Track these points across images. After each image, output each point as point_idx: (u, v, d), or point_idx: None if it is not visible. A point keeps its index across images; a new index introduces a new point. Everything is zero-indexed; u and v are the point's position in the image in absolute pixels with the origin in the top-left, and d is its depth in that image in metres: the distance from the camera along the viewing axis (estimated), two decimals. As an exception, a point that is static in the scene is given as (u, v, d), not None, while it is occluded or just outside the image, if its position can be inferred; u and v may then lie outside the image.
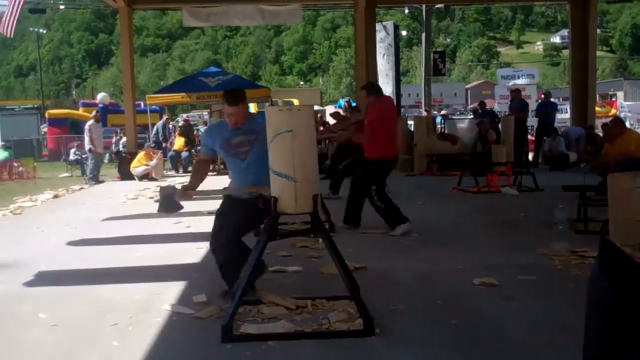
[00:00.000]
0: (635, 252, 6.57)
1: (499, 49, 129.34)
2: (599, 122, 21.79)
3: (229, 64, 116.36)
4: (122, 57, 21.83)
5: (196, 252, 7.50)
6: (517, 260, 6.76)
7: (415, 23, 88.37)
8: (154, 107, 21.60)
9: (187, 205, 11.59)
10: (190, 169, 19.69)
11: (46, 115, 34.52)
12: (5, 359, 4.38)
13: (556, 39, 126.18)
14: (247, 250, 5.05)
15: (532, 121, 20.46)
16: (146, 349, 4.44)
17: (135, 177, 17.29)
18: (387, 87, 22.34)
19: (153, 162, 17.45)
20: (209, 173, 18.18)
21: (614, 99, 55.75)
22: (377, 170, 8.48)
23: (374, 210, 8.94)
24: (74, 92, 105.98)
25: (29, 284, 6.37)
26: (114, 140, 26.27)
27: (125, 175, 17.73)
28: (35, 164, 20.73)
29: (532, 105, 21.18)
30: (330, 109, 31.25)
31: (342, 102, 28.71)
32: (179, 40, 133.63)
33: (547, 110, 18.58)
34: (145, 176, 17.25)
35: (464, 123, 19.09)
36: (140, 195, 13.73)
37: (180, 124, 24.53)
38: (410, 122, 20.15)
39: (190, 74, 38.15)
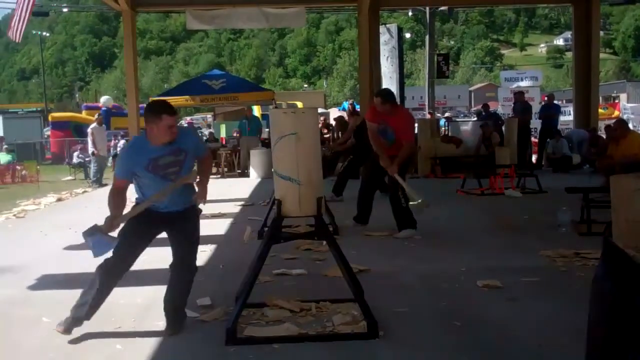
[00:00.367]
0: (639, 254, 6.56)
1: (503, 52, 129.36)
2: (602, 124, 21.77)
3: (232, 66, 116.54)
4: (125, 59, 21.84)
5: (200, 255, 7.48)
6: (520, 262, 6.76)
7: (418, 25, 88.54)
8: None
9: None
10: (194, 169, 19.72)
11: (49, 118, 34.58)
12: (9, 362, 4.40)
13: (559, 42, 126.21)
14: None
15: (535, 123, 20.44)
16: (150, 352, 4.45)
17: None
18: (391, 89, 22.34)
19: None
20: (212, 176, 18.13)
21: (617, 101, 55.69)
22: (404, 167, 8.51)
23: (377, 213, 8.97)
24: (77, 95, 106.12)
25: (33, 287, 6.38)
26: (112, 143, 26.26)
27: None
28: (38, 167, 20.77)
29: (536, 107, 21.16)
30: (334, 112, 31.25)
31: (346, 104, 28.69)
32: (183, 43, 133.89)
33: (550, 112, 18.56)
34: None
35: (468, 125, 19.07)
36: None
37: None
38: (415, 125, 20.12)
39: (194, 77, 38.20)
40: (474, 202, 11.60)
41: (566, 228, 8.38)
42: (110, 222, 4.61)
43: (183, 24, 62.05)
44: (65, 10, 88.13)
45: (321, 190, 4.80)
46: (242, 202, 12.17)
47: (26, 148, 29.57)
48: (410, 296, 5.61)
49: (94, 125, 17.77)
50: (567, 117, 25.83)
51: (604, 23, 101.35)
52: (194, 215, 5.01)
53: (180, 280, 4.91)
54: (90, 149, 17.43)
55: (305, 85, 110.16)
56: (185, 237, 4.90)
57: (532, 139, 19.60)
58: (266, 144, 17.95)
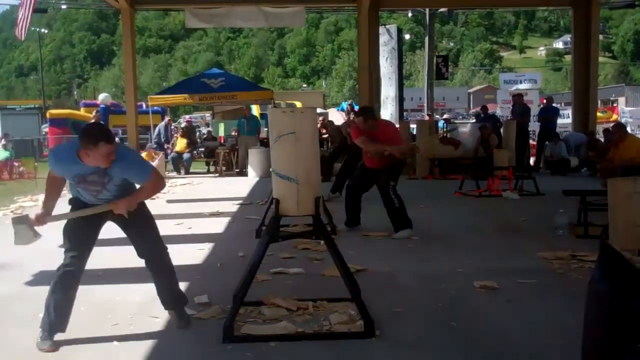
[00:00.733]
0: (635, 256, 6.59)
1: (502, 54, 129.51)
2: (600, 128, 21.80)
3: (231, 65, 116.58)
4: (124, 57, 21.87)
5: (198, 254, 7.52)
6: (517, 264, 6.78)
7: (418, 27, 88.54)
8: (156, 108, 21.61)
9: (189, 208, 11.63)
10: (192, 170, 19.72)
11: (47, 115, 34.47)
12: (5, 359, 4.40)
13: (559, 45, 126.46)
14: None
15: (534, 126, 20.47)
16: (147, 350, 4.45)
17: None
18: (390, 90, 22.40)
19: (154, 163, 17.44)
20: (210, 174, 18.10)
21: (615, 105, 55.74)
22: (398, 169, 8.63)
23: (375, 213, 8.98)
24: (75, 92, 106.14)
25: (29, 283, 6.40)
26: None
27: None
28: (36, 163, 20.72)
29: (534, 110, 21.18)
30: (332, 112, 31.24)
31: (345, 105, 28.69)
32: (182, 41, 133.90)
33: (549, 115, 18.59)
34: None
35: (466, 127, 19.09)
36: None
37: (183, 125, 24.56)
38: (413, 126, 20.14)
39: (193, 75, 38.17)
40: (471, 204, 11.61)
41: (563, 230, 8.40)
42: (41, 218, 4.66)
43: (182, 22, 62.04)
44: (64, 7, 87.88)
45: (319, 190, 4.81)
46: (240, 201, 12.19)
47: (24, 144, 29.52)
48: (407, 296, 5.62)
49: (92, 122, 17.74)
50: (565, 120, 25.86)
51: (603, 27, 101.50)
52: (140, 206, 4.79)
53: (162, 271, 4.88)
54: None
55: (304, 85, 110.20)
56: (143, 228, 4.81)
57: (531, 141, 19.63)
58: (264, 143, 17.96)
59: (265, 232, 5.02)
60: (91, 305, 5.33)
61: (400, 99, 22.58)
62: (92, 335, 4.69)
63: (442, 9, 28.02)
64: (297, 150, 4.61)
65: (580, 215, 8.31)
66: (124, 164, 4.46)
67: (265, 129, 21.81)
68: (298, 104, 30.93)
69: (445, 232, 8.84)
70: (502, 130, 17.24)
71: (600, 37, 23.58)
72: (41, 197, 13.64)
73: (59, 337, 4.55)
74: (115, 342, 4.58)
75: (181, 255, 7.29)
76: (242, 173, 18.12)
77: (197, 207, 11.46)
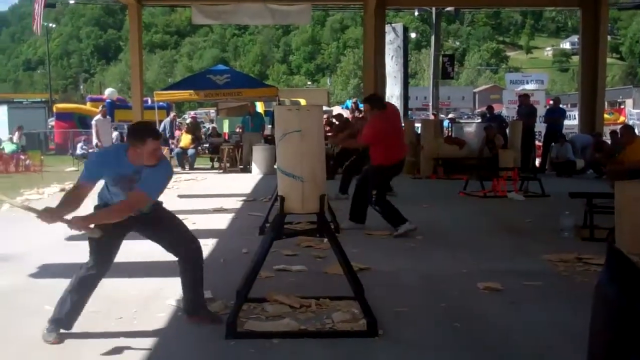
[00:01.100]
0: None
1: (508, 54, 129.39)
2: (607, 130, 21.74)
3: (237, 62, 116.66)
4: (130, 53, 21.87)
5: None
6: (522, 266, 6.76)
7: (424, 25, 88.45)
8: (161, 103, 21.63)
9: (193, 203, 11.62)
10: (196, 166, 19.72)
11: (54, 109, 34.56)
12: (11, 350, 4.40)
13: (566, 45, 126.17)
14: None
15: (540, 127, 20.42)
16: (151, 344, 4.46)
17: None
18: (395, 89, 22.40)
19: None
20: (214, 171, 18.08)
21: (622, 107, 55.67)
22: (381, 175, 8.57)
23: (378, 213, 8.97)
24: (81, 87, 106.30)
25: (35, 276, 6.41)
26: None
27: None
28: (42, 157, 20.78)
29: (541, 111, 21.14)
30: (337, 110, 31.24)
31: (350, 103, 28.70)
32: (188, 37, 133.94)
33: (555, 116, 18.55)
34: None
35: (472, 127, 19.05)
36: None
37: (188, 121, 24.56)
38: (418, 125, 20.12)
39: (199, 72, 38.19)
40: (476, 204, 11.59)
41: (569, 233, 8.37)
42: (50, 216, 4.39)
43: (188, 18, 61.99)
44: (72, 2, 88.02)
45: (324, 188, 4.80)
46: (244, 198, 12.18)
47: (30, 138, 29.60)
48: (410, 296, 5.61)
49: (98, 117, 17.79)
50: (572, 122, 25.83)
51: (611, 28, 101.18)
52: (160, 207, 4.85)
53: (197, 266, 4.86)
54: (94, 140, 17.44)
55: (309, 83, 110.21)
56: (169, 224, 4.82)
57: (536, 142, 19.59)
58: (269, 140, 17.96)
59: (269, 229, 5.02)
60: (96, 299, 5.31)
61: (405, 98, 22.55)
62: (97, 329, 4.69)
63: (448, 8, 27.98)
64: (302, 148, 4.60)
65: (586, 217, 8.29)
66: (155, 169, 4.49)
67: (269, 126, 21.84)
68: (302, 102, 30.95)
69: (449, 233, 8.83)
70: (507, 131, 17.21)
71: (608, 38, 23.51)
72: (47, 190, 13.71)
73: (64, 330, 4.55)
74: (119, 336, 4.58)
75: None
76: (246, 170, 18.13)
77: (201, 203, 11.46)
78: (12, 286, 5.97)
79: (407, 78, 23.32)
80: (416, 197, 12.03)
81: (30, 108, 38.00)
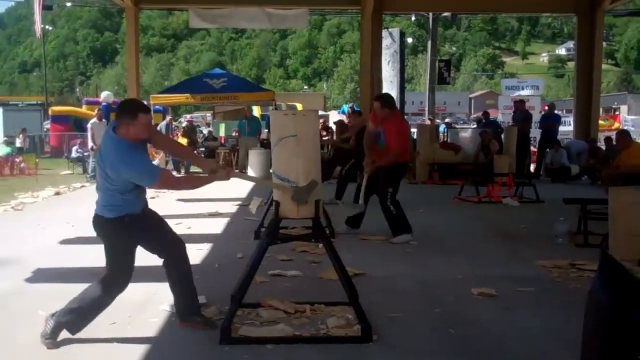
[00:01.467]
0: (635, 267, 6.57)
1: (504, 59, 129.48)
2: (601, 136, 21.79)
3: (233, 66, 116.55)
4: (127, 56, 21.87)
5: (196, 254, 7.51)
6: (516, 272, 6.77)
7: (421, 30, 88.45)
8: (157, 107, 21.60)
9: (188, 208, 11.61)
10: (192, 170, 19.69)
11: (49, 112, 34.51)
12: (3, 356, 4.39)
13: (561, 51, 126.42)
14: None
15: (535, 133, 20.45)
16: (144, 349, 4.46)
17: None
18: (391, 94, 22.35)
19: (155, 162, 17.43)
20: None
21: (617, 113, 55.80)
22: (397, 174, 8.58)
23: (374, 217, 8.96)
24: (77, 90, 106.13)
25: (28, 280, 6.39)
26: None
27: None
28: (37, 160, 20.75)
29: (536, 116, 21.17)
30: (333, 114, 31.25)
31: (346, 107, 28.68)
32: (184, 40, 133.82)
33: (550, 122, 18.59)
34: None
35: (467, 132, 19.08)
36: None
37: (184, 124, 24.56)
38: (414, 130, 20.13)
39: (196, 75, 38.19)
40: (471, 210, 11.61)
41: (563, 239, 8.39)
42: (226, 173, 4.65)
43: (185, 21, 61.82)
44: (68, 4, 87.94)
45: (320, 193, 4.80)
46: (239, 202, 12.18)
47: (14, 142, 29.54)
48: (405, 301, 5.62)
49: (93, 120, 17.76)
50: (567, 128, 25.87)
51: (606, 34, 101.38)
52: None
53: (186, 267, 4.86)
54: (90, 144, 17.42)
55: (306, 87, 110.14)
56: (158, 223, 4.81)
57: (532, 148, 19.62)
58: (265, 144, 17.95)
59: (264, 233, 5.02)
60: (89, 303, 5.33)
61: (402, 103, 22.51)
62: (91, 334, 4.67)
63: (445, 13, 28.02)
64: (297, 152, 4.60)
65: (580, 223, 8.30)
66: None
67: (266, 130, 21.84)
68: (299, 106, 30.95)
69: (444, 238, 8.84)
70: (503, 136, 17.23)
71: (604, 44, 23.57)
72: (41, 193, 13.70)
73: (59, 335, 4.54)
74: (113, 342, 4.58)
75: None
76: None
77: (196, 207, 11.45)
78: (6, 290, 5.95)
79: (403, 83, 23.31)
80: (412, 202, 12.00)
81: (26, 111, 37.92)
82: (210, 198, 12.81)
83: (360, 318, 4.63)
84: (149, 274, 6.05)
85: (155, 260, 5.27)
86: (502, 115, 24.65)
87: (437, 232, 9.24)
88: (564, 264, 6.96)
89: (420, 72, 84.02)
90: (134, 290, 5.76)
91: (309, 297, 5.51)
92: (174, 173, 18.81)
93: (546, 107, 20.69)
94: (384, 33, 21.67)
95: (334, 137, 17.34)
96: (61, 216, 10.48)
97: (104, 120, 18.64)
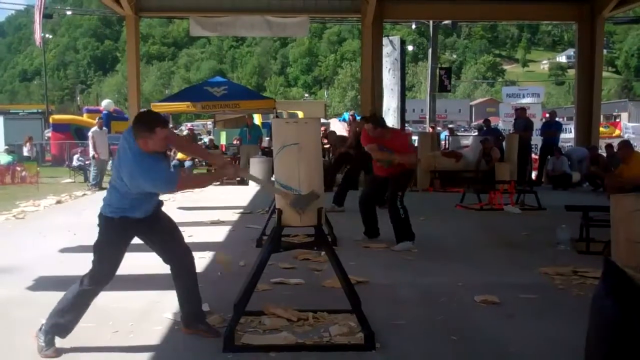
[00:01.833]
0: (637, 274, 6.57)
1: (505, 67, 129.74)
2: (602, 143, 21.79)
3: (234, 74, 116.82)
4: (127, 64, 21.88)
5: (198, 262, 7.47)
6: (518, 279, 6.76)
7: (421, 38, 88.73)
8: (158, 115, 21.59)
9: (190, 216, 11.61)
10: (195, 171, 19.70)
11: (50, 120, 34.54)
12: (6, 363, 4.40)
13: (562, 59, 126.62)
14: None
15: (536, 140, 20.47)
16: (147, 358, 4.45)
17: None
18: (392, 101, 22.40)
19: (187, 163, 17.40)
20: (215, 184, 17.98)
21: (618, 120, 55.85)
22: (406, 180, 8.68)
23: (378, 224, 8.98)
24: (78, 98, 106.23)
25: (30, 288, 6.39)
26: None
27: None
28: (38, 168, 20.75)
29: (537, 124, 21.18)
30: (334, 122, 31.24)
31: (347, 115, 28.71)
32: (185, 49, 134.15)
33: (551, 129, 18.61)
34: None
35: (468, 140, 19.09)
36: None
37: (185, 133, 24.58)
38: (415, 138, 20.15)
39: (196, 83, 38.25)
40: (472, 217, 11.60)
41: (565, 246, 8.39)
42: (234, 170, 4.93)
43: (185, 29, 62.06)
44: (68, 13, 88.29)
45: (322, 201, 4.80)
46: (241, 210, 12.18)
47: (21, 150, 29.56)
48: (407, 309, 5.61)
49: (94, 129, 17.77)
50: (568, 135, 25.89)
51: (607, 41, 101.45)
52: (162, 209, 4.89)
53: (193, 276, 4.88)
54: (91, 152, 17.44)
55: (306, 95, 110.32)
56: (170, 230, 4.83)
57: (533, 155, 19.62)
58: (266, 152, 17.96)
59: (267, 241, 5.02)
60: (92, 311, 5.31)
61: (402, 111, 22.51)
62: (92, 343, 4.68)
63: (446, 21, 28.06)
64: (300, 160, 4.61)
65: (582, 230, 8.30)
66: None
67: (267, 138, 21.85)
68: (300, 114, 30.96)
69: (446, 246, 8.83)
70: (504, 144, 17.25)
71: (604, 51, 23.58)
72: (43, 202, 13.70)
73: (59, 344, 4.53)
74: (115, 350, 4.57)
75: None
76: (243, 182, 18.11)
77: (198, 215, 11.46)
78: (7, 299, 5.95)
79: (404, 91, 23.27)
80: (413, 210, 11.96)
81: (27, 119, 37.97)
82: (212, 206, 12.82)
83: (363, 326, 4.63)
84: (151, 282, 6.06)
85: (158, 269, 5.28)
86: (503, 123, 24.67)
87: (439, 240, 9.23)
88: (566, 271, 6.95)
89: (420, 79, 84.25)
90: (137, 299, 5.78)
91: (312, 304, 5.50)
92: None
93: (547, 115, 20.69)
94: (385, 41, 21.68)
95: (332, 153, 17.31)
96: (62, 224, 10.48)
97: (104, 128, 18.69)
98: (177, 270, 4.83)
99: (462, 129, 56.04)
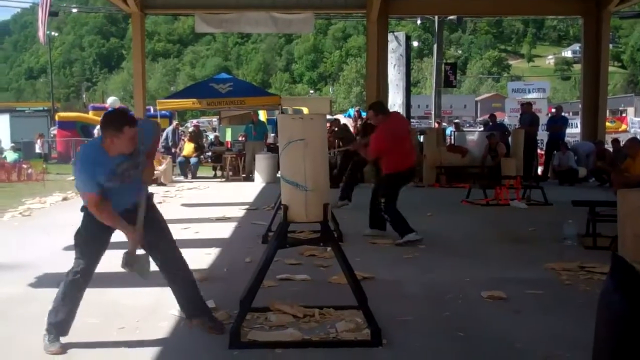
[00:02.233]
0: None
1: (510, 62, 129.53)
2: (609, 138, 21.74)
3: (239, 70, 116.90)
4: (133, 61, 21.95)
5: (204, 258, 7.51)
6: (525, 274, 6.74)
7: (426, 34, 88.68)
8: (163, 112, 21.64)
9: (196, 212, 11.62)
10: (199, 174, 19.70)
11: (56, 117, 34.60)
12: (12, 360, 4.40)
13: (567, 53, 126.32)
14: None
15: (542, 135, 20.43)
16: (154, 354, 4.44)
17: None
18: (397, 97, 22.40)
19: (162, 167, 17.45)
20: (217, 179, 18.05)
21: (624, 115, 55.73)
22: (393, 183, 8.56)
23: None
24: (84, 96, 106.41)
25: (36, 285, 6.39)
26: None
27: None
28: (44, 165, 20.79)
29: (543, 119, 21.14)
30: (340, 119, 31.22)
31: (352, 111, 28.68)
32: (190, 46, 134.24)
33: (557, 124, 18.56)
34: (154, 181, 17.25)
35: (474, 135, 19.05)
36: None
37: (190, 129, 24.58)
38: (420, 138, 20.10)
39: (202, 80, 38.25)
40: (478, 213, 11.58)
41: (572, 241, 8.36)
42: (133, 240, 4.51)
43: (191, 26, 62.06)
44: (74, 10, 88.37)
45: (328, 197, 4.79)
46: (247, 206, 12.19)
47: (33, 147, 29.66)
48: (414, 305, 5.60)
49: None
50: (574, 130, 25.84)
51: (613, 36, 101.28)
52: (154, 205, 4.82)
53: (187, 275, 4.86)
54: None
55: (311, 91, 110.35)
56: (160, 230, 4.79)
57: (539, 150, 19.58)
58: (271, 148, 17.95)
59: (273, 238, 5.01)
60: (98, 308, 5.33)
61: (407, 106, 22.50)
62: (99, 339, 4.68)
63: (451, 17, 28.02)
64: (306, 156, 4.59)
65: (589, 226, 8.28)
66: (144, 128, 4.50)
67: (272, 134, 21.84)
68: (305, 110, 30.95)
69: (452, 241, 8.82)
70: (510, 139, 17.21)
71: (610, 46, 23.52)
72: (49, 199, 13.71)
73: (65, 340, 4.53)
74: (121, 346, 4.57)
75: (188, 260, 7.30)
76: (249, 178, 18.12)
77: (204, 212, 11.46)
78: (13, 296, 5.96)
79: (409, 86, 23.27)
80: (419, 205, 12.00)
81: (33, 117, 38.06)
82: (217, 202, 12.83)
83: (369, 322, 4.62)
84: (156, 279, 6.05)
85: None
86: (509, 118, 24.65)
87: (445, 235, 9.21)
88: (573, 266, 6.93)
89: (426, 75, 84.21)
90: (143, 295, 5.78)
91: (318, 301, 5.49)
92: (181, 177, 18.86)
93: (553, 110, 20.64)
94: (390, 37, 21.66)
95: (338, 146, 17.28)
96: (69, 222, 10.45)
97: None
98: (164, 269, 4.84)
99: (468, 124, 55.95)
